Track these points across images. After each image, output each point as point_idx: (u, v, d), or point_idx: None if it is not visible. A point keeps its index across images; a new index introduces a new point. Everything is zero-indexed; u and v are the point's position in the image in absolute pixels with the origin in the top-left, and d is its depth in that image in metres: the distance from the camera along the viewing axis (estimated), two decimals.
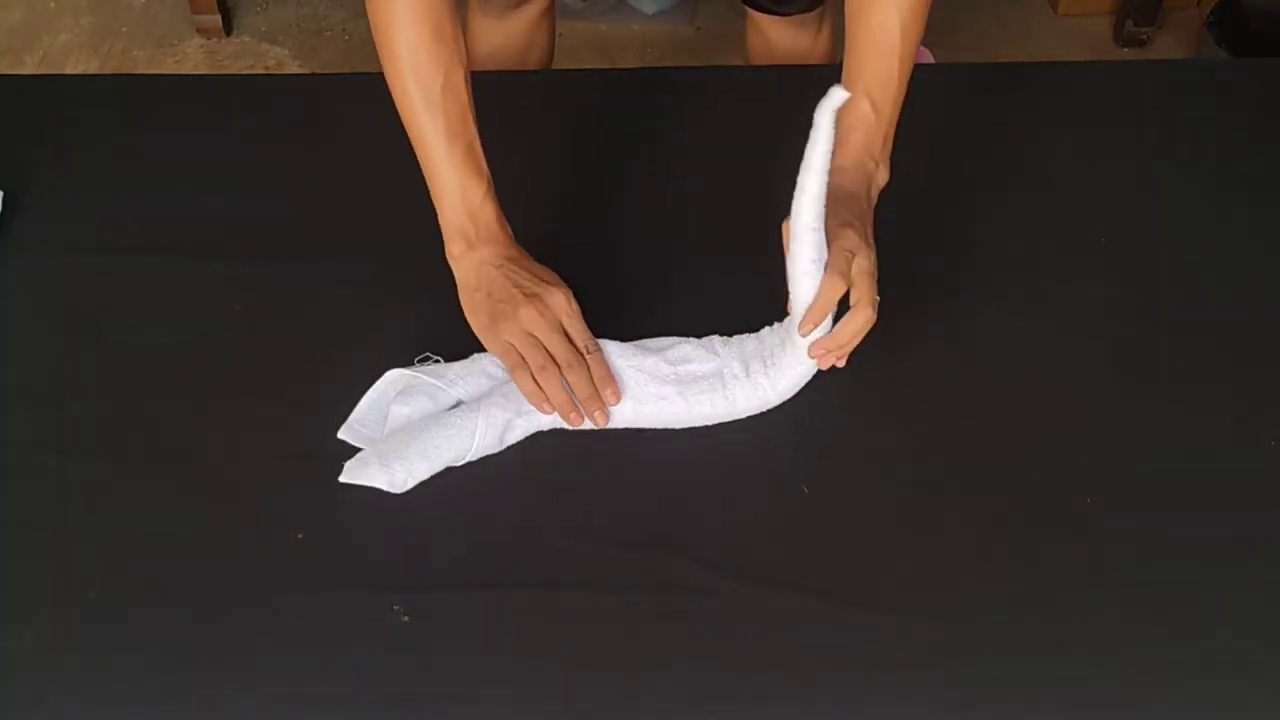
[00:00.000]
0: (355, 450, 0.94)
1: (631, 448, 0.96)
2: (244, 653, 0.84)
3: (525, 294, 0.95)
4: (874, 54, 0.99)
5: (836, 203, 0.93)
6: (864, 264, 0.91)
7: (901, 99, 0.99)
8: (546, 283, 0.97)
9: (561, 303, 0.95)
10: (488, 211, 0.99)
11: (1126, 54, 2.30)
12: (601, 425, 0.95)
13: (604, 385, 0.94)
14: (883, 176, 0.99)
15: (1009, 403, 1.00)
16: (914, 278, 1.10)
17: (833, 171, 0.91)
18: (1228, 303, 1.09)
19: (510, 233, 1.00)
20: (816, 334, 0.91)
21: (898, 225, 1.15)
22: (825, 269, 0.89)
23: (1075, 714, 0.82)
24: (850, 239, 0.91)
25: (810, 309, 0.90)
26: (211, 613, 0.86)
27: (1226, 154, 1.24)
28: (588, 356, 0.95)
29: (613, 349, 0.96)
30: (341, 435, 0.95)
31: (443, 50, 0.97)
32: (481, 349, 0.98)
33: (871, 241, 0.93)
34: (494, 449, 0.94)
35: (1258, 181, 1.21)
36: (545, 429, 0.96)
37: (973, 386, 1.02)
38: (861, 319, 0.90)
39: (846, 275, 0.89)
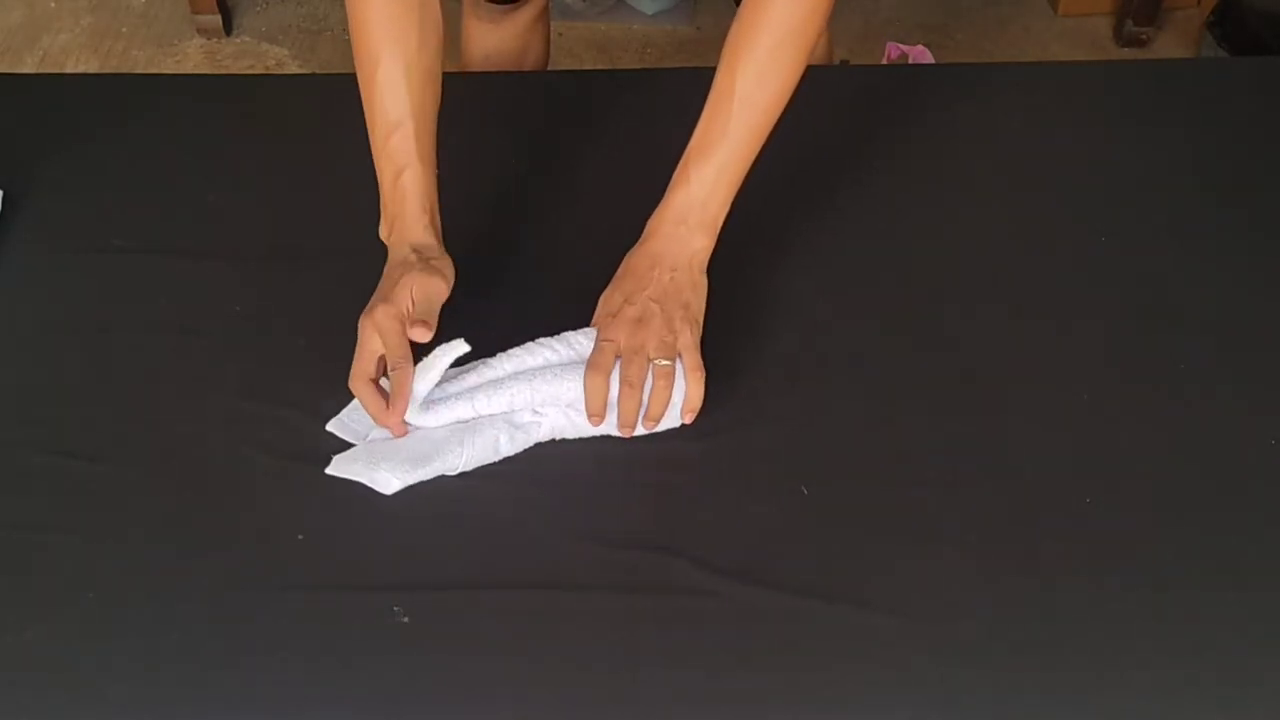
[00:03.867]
0: (348, 442, 0.95)
1: (631, 448, 0.96)
2: (244, 653, 0.84)
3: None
4: (704, 118, 1.00)
5: (620, 283, 0.99)
6: (628, 344, 0.95)
7: (735, 165, 0.99)
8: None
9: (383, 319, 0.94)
10: (401, 200, 0.99)
11: (1126, 54, 2.30)
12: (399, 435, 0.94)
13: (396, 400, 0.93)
14: (698, 242, 0.99)
15: (1009, 403, 1.00)
16: (913, 277, 1.11)
17: (639, 241, 1.00)
18: (1228, 302, 1.09)
19: (422, 229, 0.99)
20: (607, 423, 0.95)
21: (896, 225, 1.16)
22: (588, 364, 0.95)
23: (1075, 714, 0.82)
24: (613, 327, 0.96)
25: (586, 405, 0.94)
26: (211, 613, 0.86)
27: (1226, 154, 1.24)
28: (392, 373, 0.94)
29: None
30: (330, 428, 0.96)
31: (407, 25, 0.99)
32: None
33: (651, 316, 0.96)
34: (489, 459, 0.94)
35: (1258, 181, 1.21)
36: (543, 441, 0.96)
37: (972, 386, 1.01)
38: (627, 401, 0.94)
39: (605, 368, 0.94)
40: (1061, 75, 1.41)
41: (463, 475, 0.94)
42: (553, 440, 0.96)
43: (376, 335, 0.93)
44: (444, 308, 1.00)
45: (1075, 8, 2.37)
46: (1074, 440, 0.98)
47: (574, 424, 0.96)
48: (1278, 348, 1.05)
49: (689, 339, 0.96)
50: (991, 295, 1.09)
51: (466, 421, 0.95)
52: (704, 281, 1.00)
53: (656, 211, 1.01)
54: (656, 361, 0.95)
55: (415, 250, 0.98)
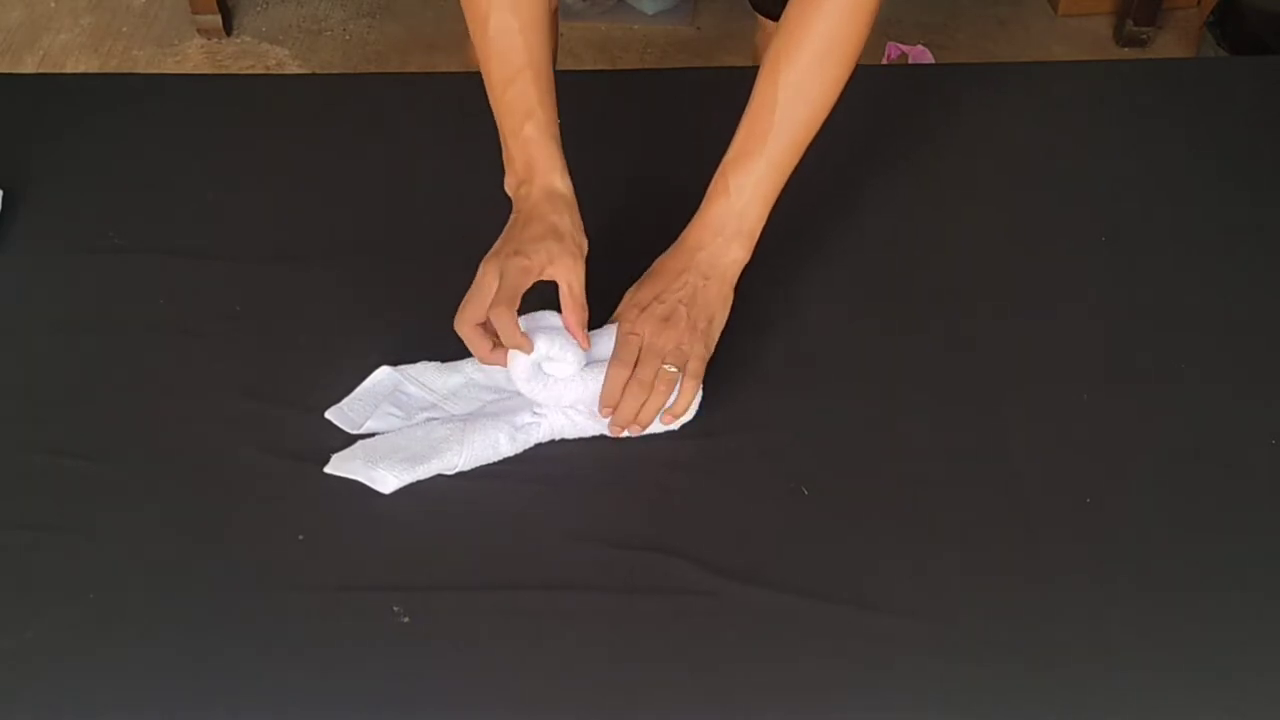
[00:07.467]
0: (348, 441, 0.95)
1: (631, 448, 0.96)
2: (244, 653, 0.84)
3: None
4: (744, 128, 1.00)
5: (651, 280, 0.98)
6: (650, 342, 0.95)
7: (774, 176, 0.98)
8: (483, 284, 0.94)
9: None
10: (528, 148, 0.99)
11: (1126, 54, 2.30)
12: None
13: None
14: (735, 252, 0.99)
15: (1009, 402, 1.00)
16: (913, 277, 1.11)
17: (675, 243, 0.99)
18: (1228, 302, 1.09)
19: (542, 181, 0.98)
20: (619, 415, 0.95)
21: (897, 225, 1.16)
22: (611, 358, 0.95)
23: (1075, 714, 0.82)
24: (639, 321, 0.96)
25: (601, 397, 0.94)
26: (212, 613, 0.86)
27: (1226, 153, 1.24)
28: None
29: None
30: (329, 415, 0.96)
31: None
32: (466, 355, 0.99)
33: (678, 318, 0.96)
34: (488, 459, 0.94)
35: (1258, 181, 1.21)
36: (542, 441, 0.96)
37: (972, 386, 1.01)
38: (632, 400, 0.94)
39: (629, 363, 0.94)
40: (1061, 75, 1.41)
41: (462, 475, 0.94)
42: (552, 440, 0.96)
43: (498, 281, 0.91)
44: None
45: (1075, 8, 2.37)
46: (1074, 441, 0.98)
47: (574, 424, 0.96)
48: (1278, 348, 1.05)
49: (701, 350, 0.96)
50: (991, 295, 1.09)
51: (465, 420, 0.95)
52: (731, 296, 0.99)
53: (694, 220, 1.00)
54: (664, 366, 0.95)
55: (551, 200, 0.97)
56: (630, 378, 0.94)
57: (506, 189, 1.01)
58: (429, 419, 0.96)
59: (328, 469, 0.93)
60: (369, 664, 0.83)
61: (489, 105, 1.03)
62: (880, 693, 0.83)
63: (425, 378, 0.98)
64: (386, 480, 0.92)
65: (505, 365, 0.93)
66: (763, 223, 0.99)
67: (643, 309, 0.97)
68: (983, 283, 1.10)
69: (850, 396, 1.01)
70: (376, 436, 0.95)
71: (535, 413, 0.95)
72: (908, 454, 0.96)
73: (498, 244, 0.95)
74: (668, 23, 2.37)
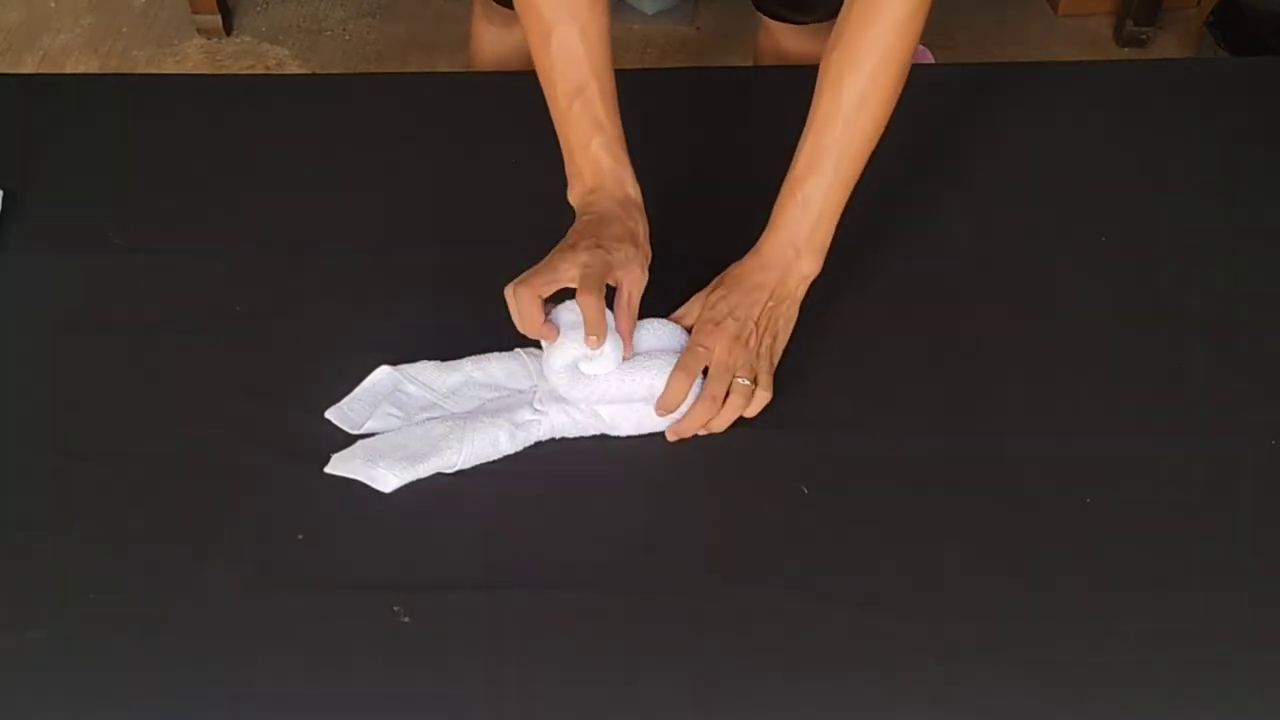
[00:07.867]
0: (348, 441, 0.95)
1: (631, 447, 0.97)
2: (244, 653, 0.84)
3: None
4: (809, 141, 1.00)
5: (727, 293, 0.98)
6: (722, 358, 0.95)
7: (841, 188, 0.99)
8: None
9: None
10: (597, 162, 1.00)
11: (1126, 54, 2.30)
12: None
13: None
14: (807, 266, 1.00)
15: (1008, 402, 1.00)
16: (913, 277, 1.11)
17: (750, 254, 1.00)
18: (1228, 302, 1.09)
19: (610, 196, 1.00)
20: (673, 417, 0.96)
21: (897, 225, 1.16)
22: (677, 364, 0.95)
23: (1075, 714, 0.82)
24: (712, 336, 0.96)
25: (660, 400, 0.95)
26: (211, 613, 0.86)
27: (1227, 153, 1.24)
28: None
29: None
30: (329, 415, 0.96)
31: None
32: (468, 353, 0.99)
33: (749, 336, 0.96)
34: (488, 457, 0.94)
35: (1258, 181, 1.21)
36: (542, 439, 0.96)
37: (973, 386, 1.01)
38: (702, 412, 0.94)
39: (694, 373, 0.95)
40: (1061, 75, 1.41)
41: (462, 474, 0.93)
42: (552, 439, 0.96)
43: (575, 270, 0.92)
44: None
45: (1075, 8, 2.36)
46: (1074, 440, 0.98)
47: (574, 422, 0.96)
48: (1278, 348, 1.05)
49: (767, 366, 0.97)
50: (991, 294, 1.09)
51: (464, 418, 0.95)
52: (796, 315, 1.01)
53: (767, 232, 1.00)
54: (739, 380, 0.95)
55: (626, 206, 0.99)
56: (703, 392, 0.95)
57: (571, 199, 1.02)
58: (429, 418, 0.97)
59: (328, 469, 0.93)
60: (369, 664, 0.83)
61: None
62: (881, 693, 0.83)
63: (425, 377, 0.98)
64: (386, 479, 0.92)
65: (553, 340, 0.93)
66: (831, 236, 1.00)
67: (717, 324, 0.97)
68: (982, 282, 1.10)
69: (851, 396, 1.01)
70: (376, 436, 0.95)
71: (536, 410, 0.95)
72: (908, 454, 0.96)
73: (572, 237, 0.96)
74: (668, 23, 2.36)
